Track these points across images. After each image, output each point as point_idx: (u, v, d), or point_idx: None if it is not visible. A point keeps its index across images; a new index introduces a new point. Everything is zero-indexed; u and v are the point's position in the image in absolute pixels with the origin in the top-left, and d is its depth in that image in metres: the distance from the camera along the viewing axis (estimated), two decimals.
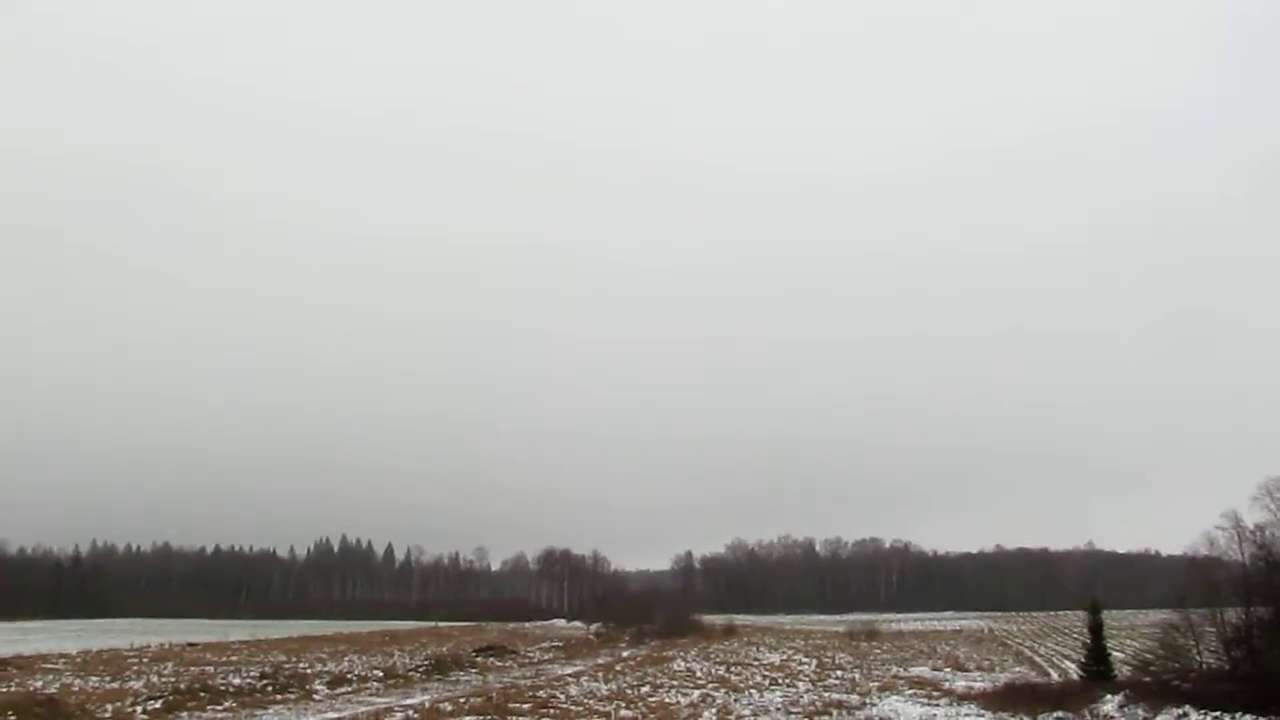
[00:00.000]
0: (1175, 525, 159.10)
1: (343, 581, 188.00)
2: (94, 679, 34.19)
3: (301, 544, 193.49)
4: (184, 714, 26.91)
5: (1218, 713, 21.76)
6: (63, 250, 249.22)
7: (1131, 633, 33.45)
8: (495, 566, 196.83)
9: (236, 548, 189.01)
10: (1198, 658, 26.44)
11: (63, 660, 42.03)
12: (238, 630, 75.29)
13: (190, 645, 56.06)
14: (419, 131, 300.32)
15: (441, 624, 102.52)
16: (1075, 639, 35.40)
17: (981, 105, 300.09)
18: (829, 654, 53.99)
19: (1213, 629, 26.06)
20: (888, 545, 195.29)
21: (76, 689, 30.82)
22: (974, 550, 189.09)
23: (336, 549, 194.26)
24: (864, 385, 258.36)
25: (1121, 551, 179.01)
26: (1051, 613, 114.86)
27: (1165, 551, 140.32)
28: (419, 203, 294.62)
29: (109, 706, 26.80)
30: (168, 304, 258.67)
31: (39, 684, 31.66)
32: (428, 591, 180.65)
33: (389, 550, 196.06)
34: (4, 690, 29.56)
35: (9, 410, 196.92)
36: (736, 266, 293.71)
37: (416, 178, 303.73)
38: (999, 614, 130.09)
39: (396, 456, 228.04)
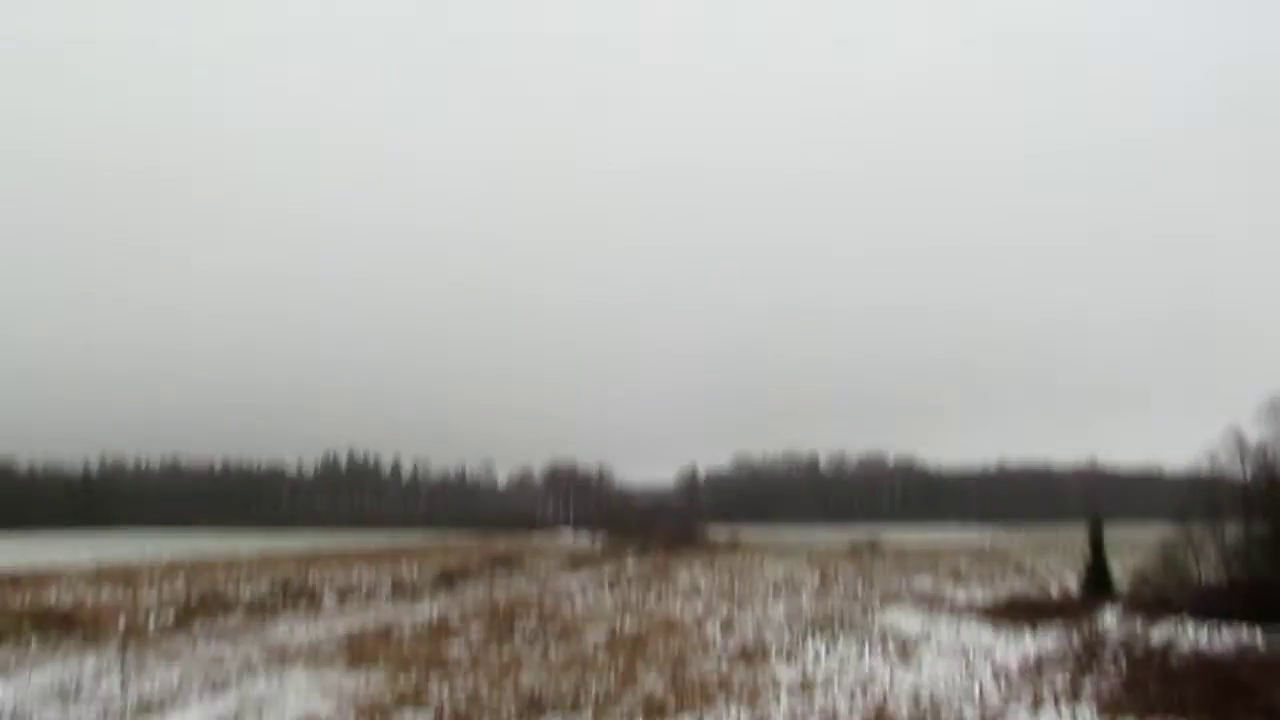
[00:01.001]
0: (1178, 442, 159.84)
1: (350, 495, 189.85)
2: (107, 591, 34.66)
3: (309, 458, 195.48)
4: (196, 625, 27.35)
5: (1215, 625, 22.00)
6: (63, 157, 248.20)
7: (1132, 548, 33.65)
8: (501, 481, 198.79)
9: (244, 461, 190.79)
10: (1197, 573, 26.61)
11: (76, 573, 42.60)
12: (247, 543, 76.19)
13: (201, 558, 56.78)
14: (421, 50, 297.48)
15: (449, 537, 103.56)
16: (1076, 553, 35.71)
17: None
18: (832, 567, 54.50)
19: (1213, 545, 26.20)
20: (891, 460, 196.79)
21: (90, 602, 31.23)
22: (977, 465, 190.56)
23: (344, 463, 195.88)
24: (868, 298, 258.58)
25: (1124, 467, 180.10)
26: (1053, 528, 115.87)
27: (1167, 467, 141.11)
28: (424, 118, 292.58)
29: (122, 618, 27.22)
30: (169, 215, 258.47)
31: (53, 597, 32.09)
32: (434, 505, 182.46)
33: (396, 464, 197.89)
34: (19, 603, 29.99)
35: (13, 328, 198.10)
36: (739, 175, 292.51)
37: (428, 90, 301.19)
38: (1001, 529, 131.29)
39: (401, 371, 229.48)
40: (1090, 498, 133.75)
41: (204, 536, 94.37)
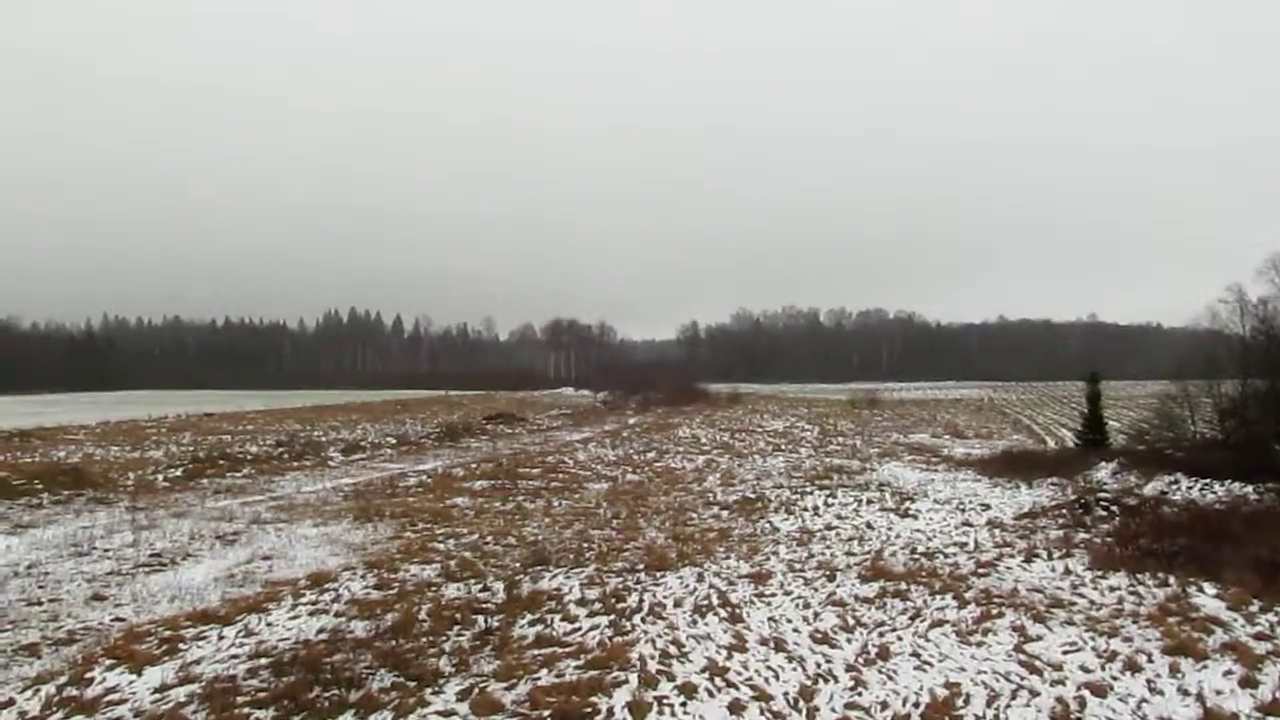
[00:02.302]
0: (1179, 299, 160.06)
1: (353, 352, 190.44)
2: (114, 449, 35.10)
3: (310, 316, 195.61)
4: (204, 481, 27.72)
5: (1207, 480, 22.29)
6: (61, 8, 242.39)
7: (1129, 403, 33.97)
8: (503, 337, 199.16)
9: (246, 320, 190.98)
10: (1192, 428, 26.91)
11: (83, 431, 43.08)
12: (251, 401, 76.72)
13: (206, 415, 57.31)
14: None
15: (451, 393, 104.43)
16: (1073, 409, 36.00)
17: None
18: (831, 422, 55.10)
19: (1209, 400, 26.42)
20: (891, 316, 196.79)
21: (99, 458, 31.62)
22: (977, 321, 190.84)
23: (345, 320, 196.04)
24: (869, 153, 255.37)
25: (1123, 324, 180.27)
26: (1051, 383, 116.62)
27: (1167, 324, 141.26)
28: None
29: (131, 475, 27.58)
30: (169, 72, 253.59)
31: (61, 454, 32.49)
32: (437, 362, 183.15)
33: (397, 321, 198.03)
34: (28, 460, 30.36)
35: (11, 190, 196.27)
36: (742, 56, 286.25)
37: None
38: (1000, 384, 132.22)
39: (402, 227, 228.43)
40: (1089, 354, 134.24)
41: (207, 395, 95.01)
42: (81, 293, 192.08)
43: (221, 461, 31.10)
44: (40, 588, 14.44)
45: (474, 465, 32.06)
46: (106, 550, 17.37)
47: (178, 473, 28.42)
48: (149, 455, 32.88)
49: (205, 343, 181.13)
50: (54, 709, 9.13)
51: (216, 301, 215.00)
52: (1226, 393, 26.04)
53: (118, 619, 12.71)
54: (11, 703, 9.28)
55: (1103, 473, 25.71)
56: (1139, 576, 14.52)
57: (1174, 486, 22.40)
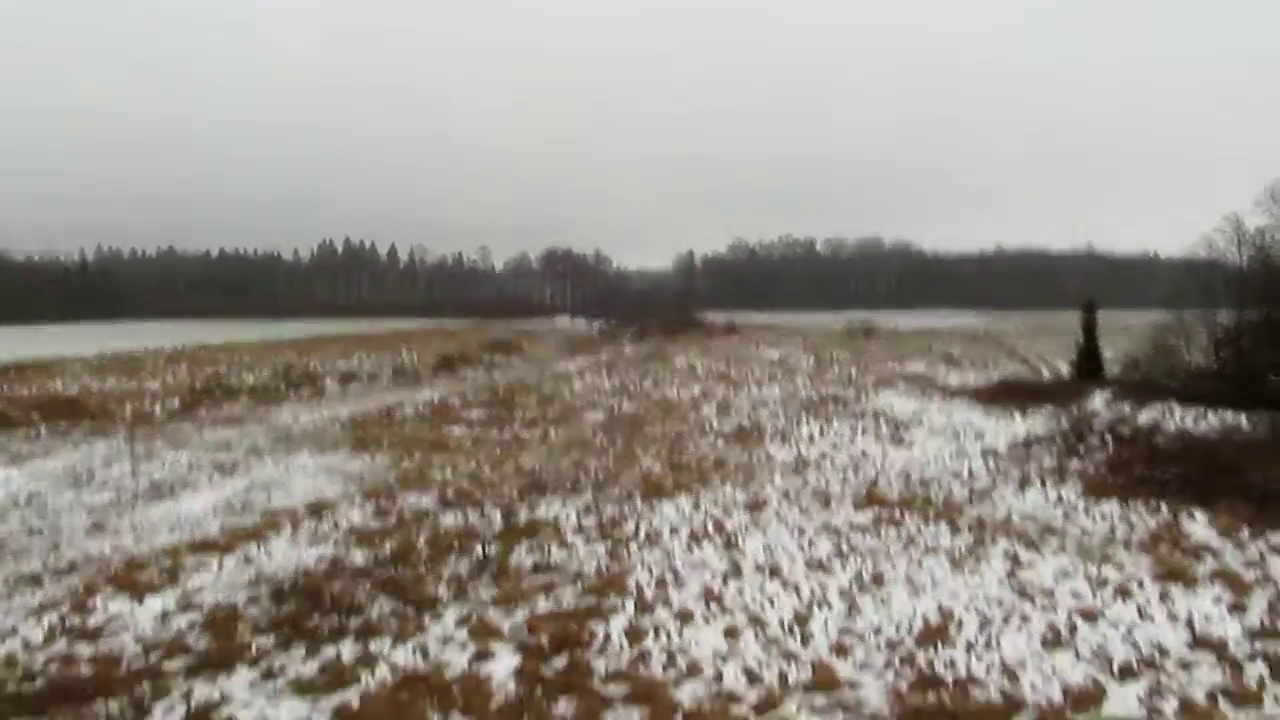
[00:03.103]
0: (1175, 228, 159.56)
1: (348, 282, 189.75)
2: (111, 380, 35.07)
3: (305, 246, 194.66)
4: (201, 411, 27.82)
5: (1201, 409, 22.38)
6: None
7: (1124, 333, 33.90)
8: (499, 266, 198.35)
9: (240, 250, 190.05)
10: (1187, 358, 26.93)
11: (79, 363, 42.99)
12: (247, 331, 76.55)
13: (202, 347, 57.23)
14: None
15: (447, 323, 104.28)
16: (1069, 338, 36.00)
17: None
18: (826, 351, 55.16)
19: (1204, 330, 26.42)
20: (888, 245, 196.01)
21: (95, 390, 31.61)
22: (974, 251, 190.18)
23: (340, 250, 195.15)
24: (873, 79, 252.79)
25: (1120, 254, 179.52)
26: (1047, 313, 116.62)
27: (1164, 254, 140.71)
28: None
29: (128, 406, 27.62)
30: (169, 19, 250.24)
31: (58, 386, 32.47)
32: (432, 291, 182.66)
33: (392, 250, 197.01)
34: (25, 392, 30.35)
35: (7, 124, 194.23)
36: None
37: None
38: (996, 314, 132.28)
39: (395, 156, 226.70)
40: (1086, 284, 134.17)
41: (203, 326, 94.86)
42: (74, 224, 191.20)
43: (218, 392, 31.16)
44: (40, 518, 14.55)
45: (470, 395, 32.14)
46: (105, 481, 17.48)
47: (175, 404, 28.50)
48: (146, 386, 32.87)
49: (199, 274, 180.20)
50: (57, 637, 9.24)
51: (210, 232, 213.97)
52: (1222, 323, 26.02)
53: (118, 548, 12.82)
54: (15, 631, 9.38)
55: (1097, 402, 25.79)
56: (1131, 504, 14.65)
57: (1168, 416, 22.48)
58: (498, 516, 14.30)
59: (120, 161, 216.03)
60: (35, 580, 11.33)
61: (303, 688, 8.04)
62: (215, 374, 37.19)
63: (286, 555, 12.25)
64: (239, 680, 8.21)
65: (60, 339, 65.07)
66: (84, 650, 8.90)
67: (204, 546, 12.67)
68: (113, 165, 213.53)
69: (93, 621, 9.68)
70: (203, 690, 7.96)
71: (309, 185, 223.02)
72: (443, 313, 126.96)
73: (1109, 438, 20.71)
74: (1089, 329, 33.56)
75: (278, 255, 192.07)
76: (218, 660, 8.61)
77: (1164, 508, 14.27)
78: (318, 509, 14.88)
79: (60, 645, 9.02)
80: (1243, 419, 20.73)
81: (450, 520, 14.15)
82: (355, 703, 7.67)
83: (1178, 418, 21.92)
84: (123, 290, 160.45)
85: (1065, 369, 34.55)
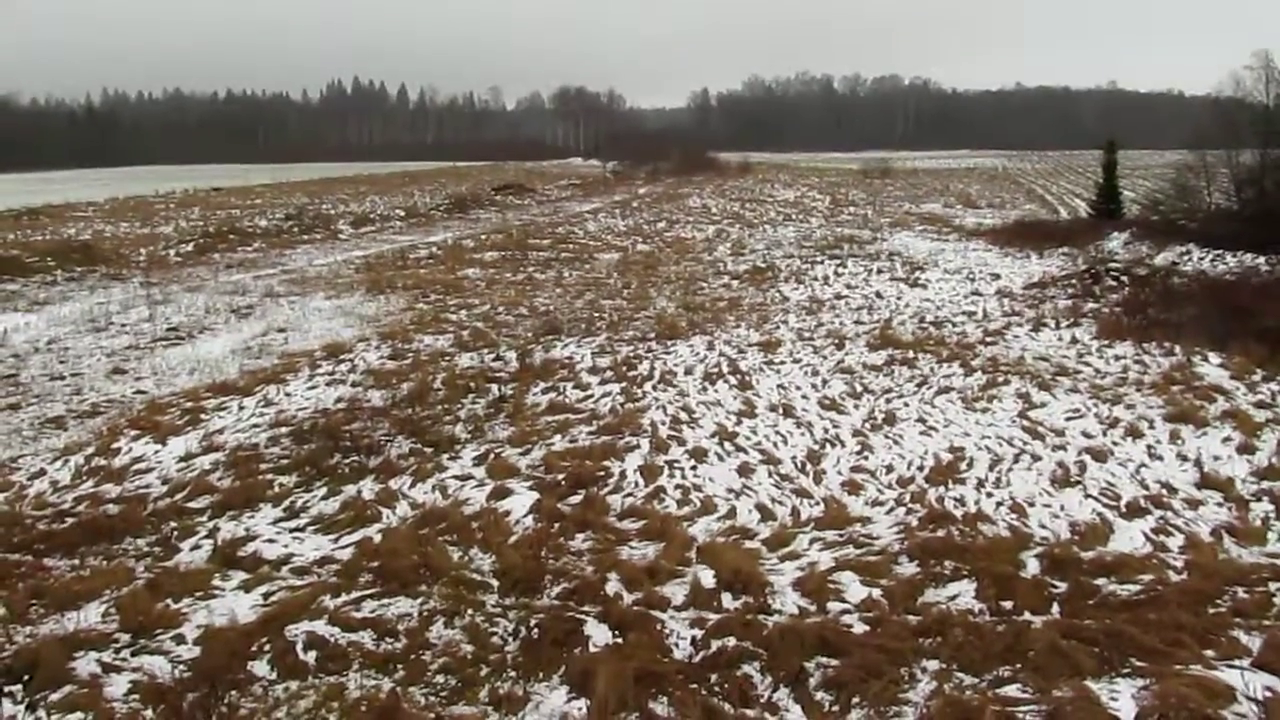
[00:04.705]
0: (1201, 66, 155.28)
1: (358, 124, 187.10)
2: (124, 225, 35.04)
3: (314, 87, 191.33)
4: (215, 255, 27.79)
5: (1220, 251, 22.18)
6: None
7: (1145, 173, 33.44)
8: (510, 106, 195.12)
9: (249, 91, 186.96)
10: (1208, 199, 26.57)
11: (91, 208, 42.90)
12: (257, 174, 75.97)
13: (214, 190, 56.90)
14: None
15: (459, 164, 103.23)
16: (1088, 178, 35.40)
17: None
18: (842, 191, 54.61)
19: (1226, 170, 25.97)
20: (906, 82, 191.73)
21: (109, 235, 31.60)
22: (993, 88, 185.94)
23: (350, 90, 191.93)
24: None
25: (1143, 91, 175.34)
26: (1067, 152, 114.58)
27: (1188, 92, 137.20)
28: None
29: (142, 251, 27.64)
30: None
31: (72, 232, 32.44)
32: (443, 133, 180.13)
33: (402, 90, 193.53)
34: (39, 238, 30.36)
35: None
36: None
37: None
38: (1015, 153, 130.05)
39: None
40: (1107, 122, 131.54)
41: (212, 169, 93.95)
42: (79, 67, 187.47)
43: (231, 236, 31.10)
44: (61, 363, 14.70)
45: (484, 236, 32.02)
46: (123, 325, 17.60)
47: (189, 248, 28.47)
48: (159, 231, 32.84)
49: (207, 116, 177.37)
50: (84, 478, 9.43)
51: (218, 73, 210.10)
52: (1245, 163, 25.55)
53: (139, 392, 12.99)
54: (43, 473, 9.57)
55: (1114, 243, 25.59)
56: (1145, 346, 14.66)
57: (1185, 257, 22.33)
58: (513, 357, 14.40)
59: (123, 2, 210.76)
60: (59, 423, 11.52)
61: (325, 525, 8.23)
62: (228, 218, 37.10)
63: (305, 397, 12.40)
64: (263, 518, 8.40)
65: (71, 184, 64.69)
66: (111, 490, 9.09)
67: (224, 389, 12.81)
68: (115, 6, 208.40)
69: (118, 463, 9.86)
70: (228, 528, 8.15)
71: (316, 23, 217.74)
72: (454, 154, 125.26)
73: (1125, 279, 20.60)
74: (1109, 169, 33.07)
75: (286, 96, 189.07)
76: (242, 499, 8.79)
77: (1178, 349, 14.27)
78: (335, 351, 14.99)
79: (88, 486, 9.21)
80: (1261, 261, 20.56)
81: (466, 361, 14.27)
82: (377, 539, 7.85)
83: (1195, 259, 21.78)
84: (130, 134, 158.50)
85: (1084, 209, 34.11)
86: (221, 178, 69.93)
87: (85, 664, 5.84)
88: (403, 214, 40.18)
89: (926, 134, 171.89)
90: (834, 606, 6.66)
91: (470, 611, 6.56)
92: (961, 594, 6.79)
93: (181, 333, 16.96)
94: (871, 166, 79.36)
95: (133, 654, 5.99)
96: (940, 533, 7.93)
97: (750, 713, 5.41)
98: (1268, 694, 5.14)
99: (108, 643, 6.10)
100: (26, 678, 5.64)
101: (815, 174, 77.05)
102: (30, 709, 5.37)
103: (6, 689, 5.52)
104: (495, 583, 7.07)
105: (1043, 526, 8.05)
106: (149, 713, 5.37)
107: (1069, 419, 11.07)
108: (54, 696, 5.49)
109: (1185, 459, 9.65)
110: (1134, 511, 8.35)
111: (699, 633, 6.26)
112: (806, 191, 55.41)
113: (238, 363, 14.63)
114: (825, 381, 12.96)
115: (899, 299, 19.96)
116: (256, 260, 27.04)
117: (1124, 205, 32.33)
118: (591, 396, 12.28)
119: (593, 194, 56.67)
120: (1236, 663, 5.57)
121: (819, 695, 5.57)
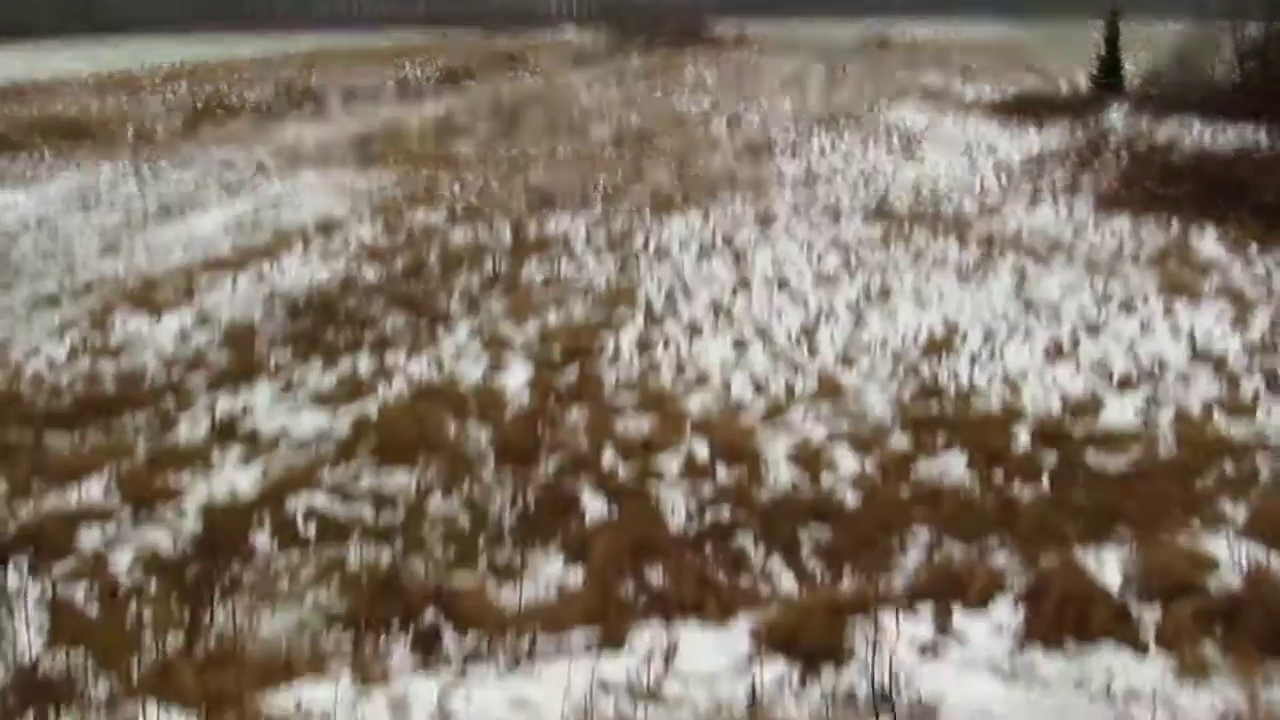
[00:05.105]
0: None
1: None
2: (111, 100, 34.38)
3: None
4: (204, 130, 27.42)
5: (1221, 124, 21.91)
6: None
7: (1147, 44, 32.66)
8: None
9: None
10: (1210, 71, 26.08)
11: (76, 82, 42.03)
12: (243, 46, 74.47)
13: (200, 63, 55.77)
14: None
15: (449, 33, 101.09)
16: (1090, 50, 34.76)
17: None
18: (840, 63, 53.61)
19: (1230, 41, 25.45)
20: None
21: (96, 110, 31.07)
22: None
23: None
24: None
25: None
26: (1069, 22, 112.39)
27: None
28: None
29: (130, 126, 27.22)
30: None
31: (59, 107, 31.87)
32: (433, 2, 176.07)
33: None
34: (27, 114, 29.83)
35: None
36: None
37: None
38: (1016, 22, 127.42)
39: None
40: None
41: (197, 40, 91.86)
42: None
43: (220, 110, 30.61)
44: (52, 241, 14.60)
45: (476, 110, 31.55)
46: (114, 202, 17.43)
47: (177, 123, 28.06)
48: (146, 106, 32.27)
49: None
50: (80, 355, 9.46)
51: None
52: (1250, 35, 25.04)
53: (132, 268, 12.94)
54: (39, 351, 9.59)
55: (1114, 116, 25.25)
56: (1142, 220, 14.61)
57: (1185, 131, 22.06)
58: (507, 231, 14.34)
59: None
60: (53, 301, 11.50)
61: (322, 399, 8.30)
62: (215, 92, 36.41)
63: (299, 272, 12.37)
64: (260, 393, 8.46)
65: (54, 56, 63.38)
66: (107, 367, 9.13)
67: (217, 265, 12.77)
68: None
69: (113, 340, 9.88)
70: (225, 403, 8.21)
71: None
72: (444, 23, 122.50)
73: (1124, 153, 20.42)
74: (1111, 40, 32.39)
75: None
76: (238, 374, 8.85)
77: (1175, 224, 14.23)
78: (327, 227, 14.91)
79: (84, 363, 9.24)
80: (1262, 134, 20.32)
81: (460, 236, 14.20)
82: (374, 413, 7.93)
83: (1195, 133, 21.52)
84: (113, 4, 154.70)
85: (1084, 82, 33.51)
86: (207, 50, 68.49)
87: (89, 535, 5.96)
88: (393, 86, 39.47)
89: (927, 2, 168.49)
90: (827, 478, 6.78)
91: (468, 483, 6.66)
92: (953, 466, 6.89)
93: (173, 209, 16.82)
94: (870, 37, 77.78)
95: (134, 527, 6.10)
96: (933, 406, 8.02)
97: (744, 581, 5.54)
98: (1252, 562, 5.26)
99: (110, 516, 6.21)
100: (32, 549, 5.75)
101: (813, 45, 75.54)
102: (35, 579, 5.48)
103: (12, 559, 5.63)
104: (492, 455, 7.16)
105: (1034, 401, 8.12)
106: (152, 583, 5.49)
107: (1064, 293, 11.09)
108: (58, 568, 5.60)
109: (1178, 333, 9.69)
110: (1126, 385, 8.42)
111: (694, 503, 6.38)
112: (804, 63, 54.43)
113: (230, 239, 14.54)
114: (820, 255, 12.93)
115: (895, 172, 19.77)
116: (246, 135, 26.63)
117: (1126, 78, 31.76)
118: (586, 271, 12.27)
119: (586, 65, 55.60)
120: (1222, 532, 5.69)
121: (811, 564, 5.70)
